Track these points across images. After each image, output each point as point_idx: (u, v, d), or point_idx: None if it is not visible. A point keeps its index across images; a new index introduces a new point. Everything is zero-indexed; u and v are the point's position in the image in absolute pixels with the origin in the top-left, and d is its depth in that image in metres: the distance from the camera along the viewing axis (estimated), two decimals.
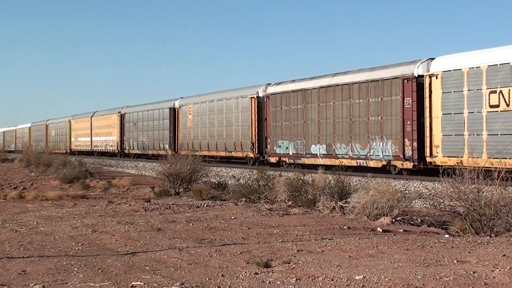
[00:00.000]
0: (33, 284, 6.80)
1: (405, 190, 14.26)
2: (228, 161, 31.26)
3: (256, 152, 28.40)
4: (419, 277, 6.41)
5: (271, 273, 6.99)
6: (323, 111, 23.82)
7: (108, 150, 48.35)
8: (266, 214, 12.68)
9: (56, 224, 11.92)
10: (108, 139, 48.77)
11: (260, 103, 28.48)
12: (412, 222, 11.93)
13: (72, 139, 58.13)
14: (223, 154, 31.47)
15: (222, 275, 6.99)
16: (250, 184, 16.57)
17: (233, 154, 30.47)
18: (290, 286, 6.38)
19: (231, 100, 30.82)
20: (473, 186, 10.31)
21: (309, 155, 24.53)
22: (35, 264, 7.92)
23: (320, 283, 6.43)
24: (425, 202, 13.29)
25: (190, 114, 35.26)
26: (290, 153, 25.68)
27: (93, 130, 52.32)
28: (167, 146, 37.16)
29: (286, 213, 12.83)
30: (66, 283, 6.89)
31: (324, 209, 12.99)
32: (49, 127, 66.31)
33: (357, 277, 6.53)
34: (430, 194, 12.33)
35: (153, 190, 20.32)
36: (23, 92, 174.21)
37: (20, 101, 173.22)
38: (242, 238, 9.70)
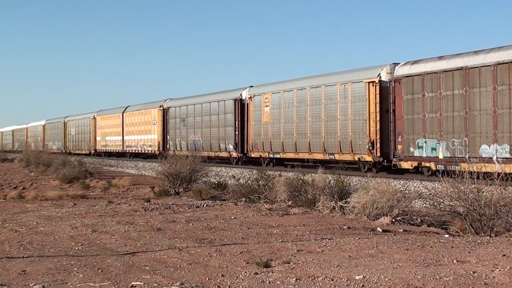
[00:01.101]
0: (33, 284, 6.80)
1: (405, 190, 14.28)
2: (326, 166, 21.80)
3: (378, 154, 21.53)
4: (419, 277, 6.41)
5: (271, 273, 6.99)
6: (503, 97, 17.23)
7: (146, 151, 41.47)
8: (266, 214, 12.68)
9: (56, 224, 11.92)
10: (146, 138, 41.56)
11: (383, 90, 21.63)
12: (412, 222, 11.93)
13: (98, 138, 51.52)
14: (319, 157, 24.53)
15: (222, 275, 6.99)
16: (250, 184, 16.58)
17: (337, 157, 23.47)
18: (290, 286, 6.38)
19: (335, 86, 23.83)
20: (473, 186, 10.31)
21: (475, 159, 15.99)
22: (35, 264, 7.92)
23: (320, 283, 6.43)
24: (425, 202, 13.30)
25: (266, 106, 28.21)
26: (440, 156, 19.05)
27: (125, 128, 45.44)
28: (231, 147, 30.93)
29: (286, 213, 12.84)
30: (66, 283, 6.88)
31: (324, 209, 12.99)
32: (68, 124, 59.62)
33: (357, 277, 6.53)
34: (430, 194, 12.34)
35: (153, 190, 20.31)
36: (30, 90, 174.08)
37: (33, 98, 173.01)
38: (242, 238, 9.70)
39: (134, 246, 9.11)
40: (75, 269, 7.56)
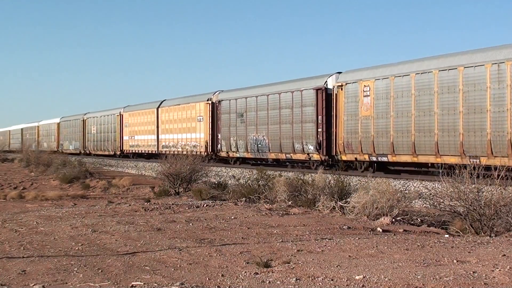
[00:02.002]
0: (33, 284, 6.80)
1: (405, 190, 14.27)
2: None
3: None
4: (419, 277, 6.41)
5: (271, 273, 6.99)
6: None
7: (189, 152, 30.10)
8: (266, 214, 12.68)
9: (56, 224, 11.92)
10: (189, 137, 34.85)
11: None
12: (412, 222, 11.93)
13: (125, 138, 45.22)
14: (453, 160, 17.75)
15: (222, 275, 6.99)
16: (250, 184, 16.58)
17: (485, 160, 16.42)
18: (290, 286, 6.38)
19: (482, 67, 17.96)
20: (473, 186, 10.31)
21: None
22: (35, 264, 7.92)
23: (320, 283, 6.44)
24: (425, 202, 13.29)
25: (366, 96, 22.35)
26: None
27: (161, 126, 39.03)
28: (311, 148, 25.27)
29: (286, 213, 12.84)
30: (66, 283, 6.88)
31: (324, 209, 12.99)
32: (87, 122, 53.38)
33: (357, 277, 6.53)
34: (430, 194, 12.33)
35: (153, 190, 20.32)
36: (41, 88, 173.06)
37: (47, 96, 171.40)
38: (242, 238, 9.70)
39: (134, 246, 9.11)
40: (75, 269, 7.56)
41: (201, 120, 33.74)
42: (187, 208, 14.14)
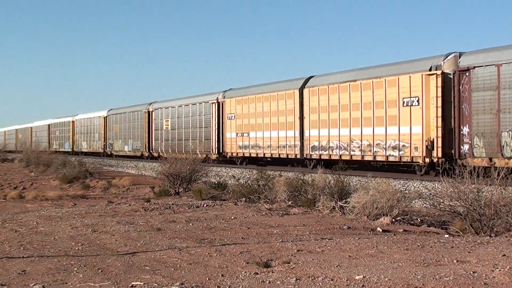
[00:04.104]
0: (33, 284, 6.80)
1: (405, 190, 14.27)
2: None
3: None
4: (419, 277, 6.41)
5: (271, 273, 6.99)
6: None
7: (395, 158, 21.06)
8: (266, 214, 12.68)
9: (56, 224, 11.92)
10: (380, 133, 21.60)
11: None
12: (412, 222, 11.93)
13: (228, 135, 31.38)
14: None
15: (222, 275, 6.99)
16: (250, 184, 16.59)
17: None
18: (290, 286, 6.38)
19: None
20: (473, 186, 10.31)
21: None
22: (35, 264, 7.92)
23: (320, 283, 6.43)
24: (425, 202, 13.30)
25: None
26: None
27: (310, 115, 25.39)
28: None
29: (286, 213, 12.83)
30: (66, 283, 6.88)
31: (324, 209, 12.99)
32: (155, 114, 40.28)
33: (357, 277, 6.53)
34: (430, 194, 12.34)
35: (153, 190, 20.33)
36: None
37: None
38: (242, 238, 9.70)
39: (134, 246, 9.11)
40: (75, 269, 7.56)
41: (414, 103, 20.27)
42: (187, 208, 14.14)
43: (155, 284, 6.68)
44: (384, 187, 12.25)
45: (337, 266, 7.15)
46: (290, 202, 14.19)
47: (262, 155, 28.91)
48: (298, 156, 26.11)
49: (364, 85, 22.42)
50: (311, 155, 25.25)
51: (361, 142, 22.32)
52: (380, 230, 10.55)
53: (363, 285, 6.24)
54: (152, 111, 41.03)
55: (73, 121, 56.80)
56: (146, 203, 15.71)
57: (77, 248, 9.09)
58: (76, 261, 8.05)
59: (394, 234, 10.05)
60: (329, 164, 23.09)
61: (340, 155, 23.31)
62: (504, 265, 6.78)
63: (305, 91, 25.92)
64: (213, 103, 33.09)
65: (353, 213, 12.15)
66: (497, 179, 10.40)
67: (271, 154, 28.05)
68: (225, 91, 32.94)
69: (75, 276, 7.17)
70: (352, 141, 22.84)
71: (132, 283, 6.78)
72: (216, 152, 32.38)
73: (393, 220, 11.56)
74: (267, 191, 15.20)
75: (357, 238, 9.30)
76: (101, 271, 7.41)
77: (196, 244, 9.12)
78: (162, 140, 39.17)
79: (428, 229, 11.06)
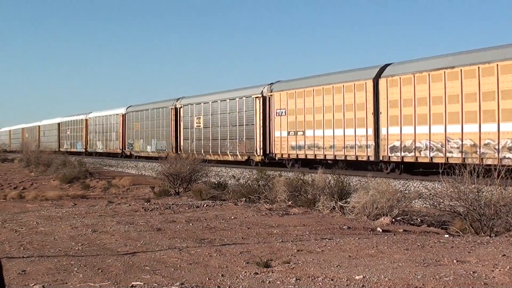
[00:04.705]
0: (33, 284, 6.80)
1: (405, 190, 14.27)
2: None
3: None
4: (419, 277, 6.41)
5: (271, 273, 6.99)
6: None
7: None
8: (266, 214, 12.68)
9: (56, 224, 11.92)
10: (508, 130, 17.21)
11: None
12: (412, 222, 11.93)
13: (277, 134, 27.31)
14: None
15: (222, 275, 6.99)
16: (250, 184, 16.59)
17: None
18: (290, 286, 6.38)
19: None
20: (473, 186, 10.31)
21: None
22: (35, 264, 7.92)
23: (320, 283, 6.43)
24: (425, 202, 13.30)
25: None
26: None
27: (388, 110, 21.34)
28: None
29: (286, 213, 12.83)
30: (66, 283, 6.88)
31: (324, 209, 12.99)
32: (183, 111, 36.05)
33: (357, 277, 6.53)
34: (430, 194, 12.34)
35: (153, 190, 20.33)
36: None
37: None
38: (242, 238, 9.70)
39: (134, 246, 9.11)
40: (75, 269, 7.56)
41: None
42: (187, 208, 14.14)
43: (155, 284, 6.68)
44: (384, 187, 12.25)
45: (337, 266, 7.15)
46: (290, 202, 14.19)
47: (321, 157, 24.71)
48: (372, 158, 22.07)
49: (467, 73, 18.50)
50: (389, 157, 21.06)
51: (462, 141, 18.55)
52: (380, 230, 10.55)
53: (363, 285, 6.24)
54: (180, 108, 36.59)
55: (86, 119, 52.38)
56: (146, 203, 15.71)
57: (77, 248, 9.09)
58: (76, 261, 8.05)
59: (394, 234, 10.05)
60: (411, 168, 21.04)
61: (431, 157, 19.56)
62: (504, 265, 6.78)
63: (381, 81, 21.69)
64: (257, 97, 28.67)
65: (353, 213, 12.15)
66: (497, 179, 10.40)
67: (335, 156, 23.71)
68: (272, 83, 28.73)
69: (75, 276, 7.17)
70: (449, 141, 19.09)
71: (132, 283, 6.78)
72: (261, 153, 28.16)
73: (393, 220, 11.57)
74: (267, 191, 15.20)
75: (357, 238, 9.30)
76: (101, 271, 7.41)
77: (196, 244, 9.12)
78: (192, 139, 34.79)
79: (428, 229, 11.06)
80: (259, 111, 28.50)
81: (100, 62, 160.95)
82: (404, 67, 21.46)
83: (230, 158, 30.83)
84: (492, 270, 6.57)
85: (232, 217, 12.16)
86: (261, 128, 28.37)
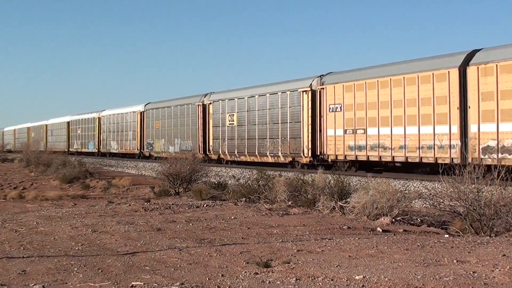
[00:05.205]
0: (33, 284, 6.80)
1: (405, 190, 14.27)
2: None
3: None
4: (419, 277, 6.41)
5: (271, 273, 6.99)
6: None
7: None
8: (266, 214, 12.68)
9: (56, 224, 11.92)
10: None
11: None
12: (412, 222, 11.93)
13: (330, 133, 24.44)
14: None
15: (222, 275, 6.99)
16: (250, 184, 16.59)
17: None
18: (290, 286, 6.38)
19: None
20: (473, 186, 10.31)
21: None
22: (35, 264, 7.92)
23: (320, 283, 6.43)
24: (425, 202, 13.30)
25: None
26: None
27: (485, 103, 18.24)
28: None
29: (286, 213, 12.83)
30: (66, 283, 6.88)
31: (324, 209, 12.99)
32: (212, 108, 32.85)
33: (357, 277, 6.53)
34: (430, 194, 12.34)
35: (153, 190, 20.33)
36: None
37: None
38: (242, 238, 9.70)
39: (134, 246, 9.11)
40: (75, 269, 7.56)
41: None
42: (187, 208, 14.14)
43: (155, 284, 6.68)
44: (384, 187, 12.25)
45: (337, 266, 7.15)
46: (290, 202, 14.19)
47: (388, 159, 21.61)
48: (457, 161, 18.35)
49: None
50: (481, 159, 17.67)
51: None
52: (380, 230, 10.55)
53: (363, 285, 6.24)
54: (209, 104, 33.37)
55: (99, 118, 48.95)
56: (146, 203, 15.71)
57: (77, 248, 9.09)
58: (76, 261, 8.05)
59: (394, 234, 10.05)
60: None
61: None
62: (504, 265, 6.78)
63: (470, 70, 18.67)
64: (305, 91, 25.64)
65: (353, 213, 12.15)
66: (497, 179, 10.40)
67: (406, 158, 20.78)
68: (322, 75, 25.56)
69: (75, 276, 7.17)
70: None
71: (132, 283, 6.78)
72: (309, 154, 25.27)
73: (393, 220, 11.57)
74: (267, 191, 15.20)
75: (357, 238, 9.30)
76: (101, 271, 7.41)
77: (196, 244, 9.12)
78: (224, 139, 31.67)
79: (428, 229, 11.06)
80: (307, 107, 25.37)
81: (110, 61, 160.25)
82: (501, 52, 18.14)
83: (270, 159, 27.86)
84: (492, 270, 6.57)
85: (232, 217, 12.16)
86: (310, 126, 25.24)
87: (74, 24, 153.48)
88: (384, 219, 11.54)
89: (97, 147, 50.00)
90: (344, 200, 12.85)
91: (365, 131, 22.46)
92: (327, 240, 9.23)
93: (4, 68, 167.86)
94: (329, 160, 24.20)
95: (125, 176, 28.04)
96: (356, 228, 10.75)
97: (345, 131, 23.49)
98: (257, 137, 28.84)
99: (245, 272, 7.10)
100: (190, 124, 35.29)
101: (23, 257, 8.40)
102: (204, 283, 6.65)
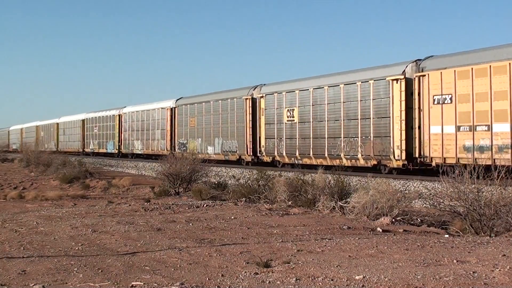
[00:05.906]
0: (33, 284, 6.80)
1: (405, 190, 14.28)
2: None
3: None
4: (419, 277, 6.41)
5: (271, 273, 6.99)
6: None
7: None
8: (266, 214, 12.68)
9: (56, 224, 11.92)
10: None
11: None
12: (412, 222, 11.94)
13: (435, 131, 19.40)
14: None
15: (222, 275, 6.99)
16: (250, 184, 16.59)
17: None
18: (290, 286, 6.38)
19: None
20: (473, 186, 10.32)
21: None
22: (35, 264, 7.92)
23: (320, 283, 6.43)
24: (425, 202, 13.30)
25: None
26: None
27: None
28: None
29: (286, 213, 12.84)
30: (66, 283, 6.88)
31: (324, 209, 13.00)
32: (264, 102, 28.03)
33: (357, 277, 6.53)
34: (430, 194, 12.35)
35: (153, 190, 20.32)
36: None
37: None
38: (242, 238, 9.70)
39: (134, 246, 9.11)
40: (75, 269, 7.56)
41: None
42: (187, 208, 14.14)
43: (155, 284, 6.68)
44: (384, 187, 12.25)
45: (337, 266, 7.15)
46: (290, 202, 14.19)
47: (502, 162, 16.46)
48: None
49: None
50: None
51: None
52: (380, 230, 10.56)
53: (363, 285, 6.24)
54: (260, 98, 28.37)
55: (120, 115, 44.34)
56: (146, 203, 15.71)
57: (77, 248, 9.09)
58: (76, 261, 8.05)
59: (394, 234, 10.05)
60: None
61: None
62: (504, 265, 6.78)
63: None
64: (396, 79, 20.80)
65: (353, 213, 12.15)
66: (497, 179, 10.40)
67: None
68: (419, 60, 20.77)
69: (75, 276, 7.17)
70: None
71: (132, 283, 6.78)
72: (403, 157, 20.48)
73: (393, 220, 11.57)
74: (267, 191, 15.20)
75: (357, 238, 9.30)
76: (101, 271, 7.42)
77: (196, 244, 9.12)
78: (280, 138, 26.80)
79: (428, 229, 11.06)
80: (399, 98, 20.62)
81: (124, 57, 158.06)
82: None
83: (345, 163, 22.33)
84: (492, 270, 6.57)
85: (232, 217, 12.16)
86: (403, 122, 20.45)
87: (84, 16, 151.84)
88: (384, 219, 11.55)
89: (117, 148, 45.63)
90: (344, 200, 12.85)
91: (489, 128, 17.56)
92: (327, 240, 9.23)
93: (10, 65, 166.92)
94: (433, 163, 19.41)
95: (125, 176, 28.04)
96: (356, 228, 10.76)
97: (458, 128, 18.55)
98: (326, 136, 24.00)
99: (245, 272, 7.11)
100: (235, 121, 30.14)
101: (23, 257, 8.40)
102: (204, 283, 6.66)
